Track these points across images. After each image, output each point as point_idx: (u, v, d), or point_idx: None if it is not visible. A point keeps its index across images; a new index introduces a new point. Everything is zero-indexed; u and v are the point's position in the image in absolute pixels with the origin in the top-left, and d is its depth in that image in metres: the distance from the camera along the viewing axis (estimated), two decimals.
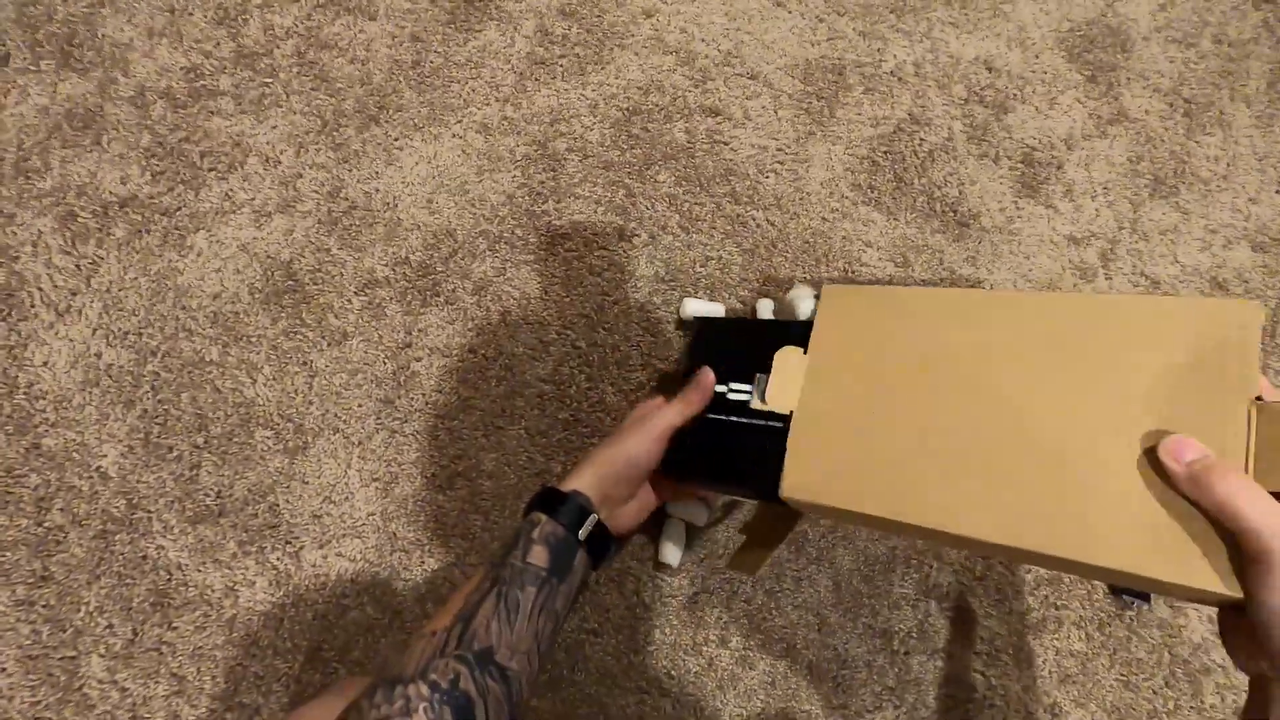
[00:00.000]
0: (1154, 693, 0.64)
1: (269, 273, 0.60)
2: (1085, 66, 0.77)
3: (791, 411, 0.45)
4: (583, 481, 0.46)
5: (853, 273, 0.68)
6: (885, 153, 0.71)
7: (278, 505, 0.56)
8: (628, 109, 0.68)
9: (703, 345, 0.50)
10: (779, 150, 0.70)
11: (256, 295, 0.60)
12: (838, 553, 0.62)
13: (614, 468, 0.47)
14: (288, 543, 0.56)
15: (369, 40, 0.66)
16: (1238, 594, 0.32)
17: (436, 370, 0.60)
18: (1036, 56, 0.76)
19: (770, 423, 0.46)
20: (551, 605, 0.42)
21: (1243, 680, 0.65)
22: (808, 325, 0.48)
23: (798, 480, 0.43)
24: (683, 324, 0.50)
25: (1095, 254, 0.73)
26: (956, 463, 0.39)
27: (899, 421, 0.42)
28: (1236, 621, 0.34)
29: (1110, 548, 0.34)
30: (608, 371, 0.63)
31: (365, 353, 0.60)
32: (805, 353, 0.46)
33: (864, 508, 0.40)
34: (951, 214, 0.71)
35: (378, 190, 0.63)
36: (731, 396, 0.47)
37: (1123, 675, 0.64)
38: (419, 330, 0.61)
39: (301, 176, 0.62)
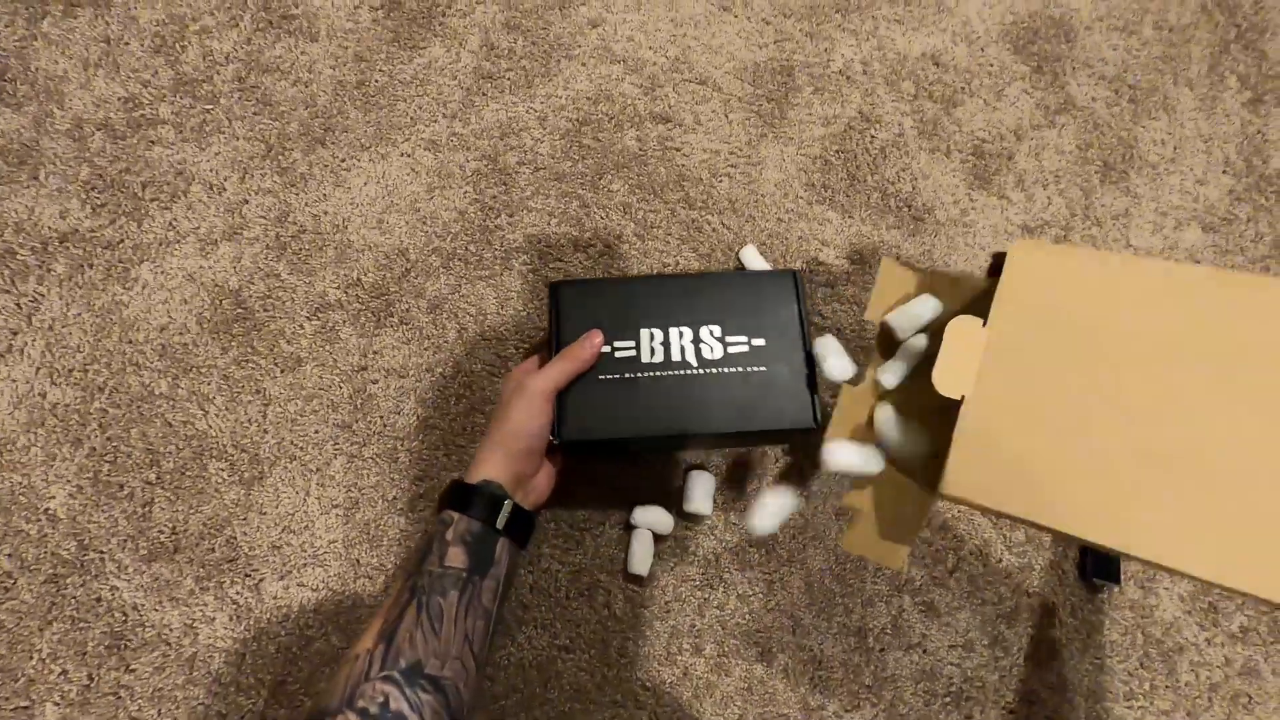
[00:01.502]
0: (1129, 674, 0.64)
1: (217, 301, 0.58)
2: (1030, 58, 0.77)
3: (962, 396, 0.38)
4: (490, 468, 0.45)
5: (811, 271, 0.67)
6: (838, 151, 0.71)
7: (235, 538, 0.55)
8: (577, 119, 0.67)
9: (569, 308, 0.49)
10: (731, 154, 0.69)
11: (205, 325, 0.58)
12: (809, 553, 0.61)
13: (515, 443, 0.46)
14: (247, 575, 0.54)
15: (311, 62, 0.64)
16: None
17: (394, 391, 0.58)
18: (982, 50, 0.76)
19: (675, 371, 0.47)
20: (478, 603, 0.41)
21: (1216, 657, 0.65)
22: (678, 279, 0.50)
23: (965, 478, 0.36)
24: (549, 285, 0.50)
25: (1049, 241, 0.72)
26: (1165, 479, 0.33)
27: (1097, 420, 0.35)
28: None
29: None
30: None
31: (320, 378, 0.58)
32: (984, 324, 0.40)
33: (1055, 523, 0.35)
34: (906, 209, 0.71)
35: (326, 213, 0.61)
36: (619, 355, 0.48)
37: (1097, 658, 0.63)
38: (374, 352, 0.59)
39: (247, 202, 0.61)
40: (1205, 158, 0.78)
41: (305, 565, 0.56)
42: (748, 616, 0.60)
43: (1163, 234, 0.75)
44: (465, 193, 0.65)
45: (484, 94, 0.67)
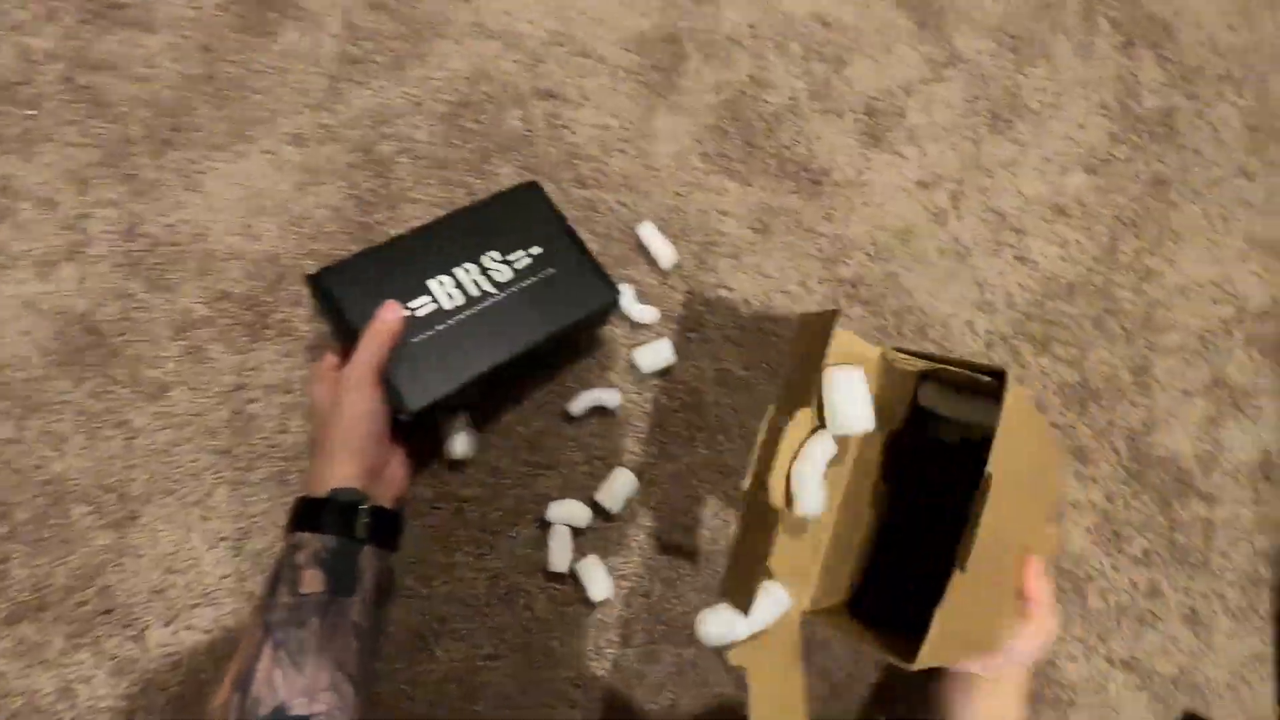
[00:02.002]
0: None
1: (63, 329, 0.53)
2: (914, 13, 0.77)
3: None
4: (335, 474, 0.42)
5: (712, 244, 0.65)
6: (731, 119, 0.69)
7: (110, 587, 0.50)
8: (456, 102, 0.63)
9: (345, 293, 0.47)
10: (622, 128, 0.66)
11: (51, 357, 0.52)
12: (732, 531, 0.60)
13: (355, 438, 0.43)
14: (127, 626, 0.50)
15: (150, 55, 0.58)
16: None
17: (277, 409, 0.54)
18: (867, 7, 0.75)
19: (479, 305, 0.50)
20: (345, 625, 0.39)
21: (1122, 581, 0.67)
22: (438, 224, 0.51)
23: (937, 649, 0.36)
24: (307, 280, 0.48)
25: (945, 196, 0.73)
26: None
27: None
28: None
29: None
30: None
31: (191, 402, 0.53)
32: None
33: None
34: (803, 173, 0.70)
35: (183, 221, 0.56)
36: (421, 313, 0.48)
37: None
38: (251, 369, 0.54)
39: (89, 216, 0.55)
40: (1084, 102, 0.80)
41: (194, 606, 0.51)
42: (675, 601, 0.59)
43: (1048, 180, 0.77)
44: (339, 188, 0.60)
45: (350, 80, 0.62)
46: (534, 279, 0.52)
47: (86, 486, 0.52)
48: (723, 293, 0.66)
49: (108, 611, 0.50)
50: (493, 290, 0.51)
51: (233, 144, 0.59)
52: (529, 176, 0.64)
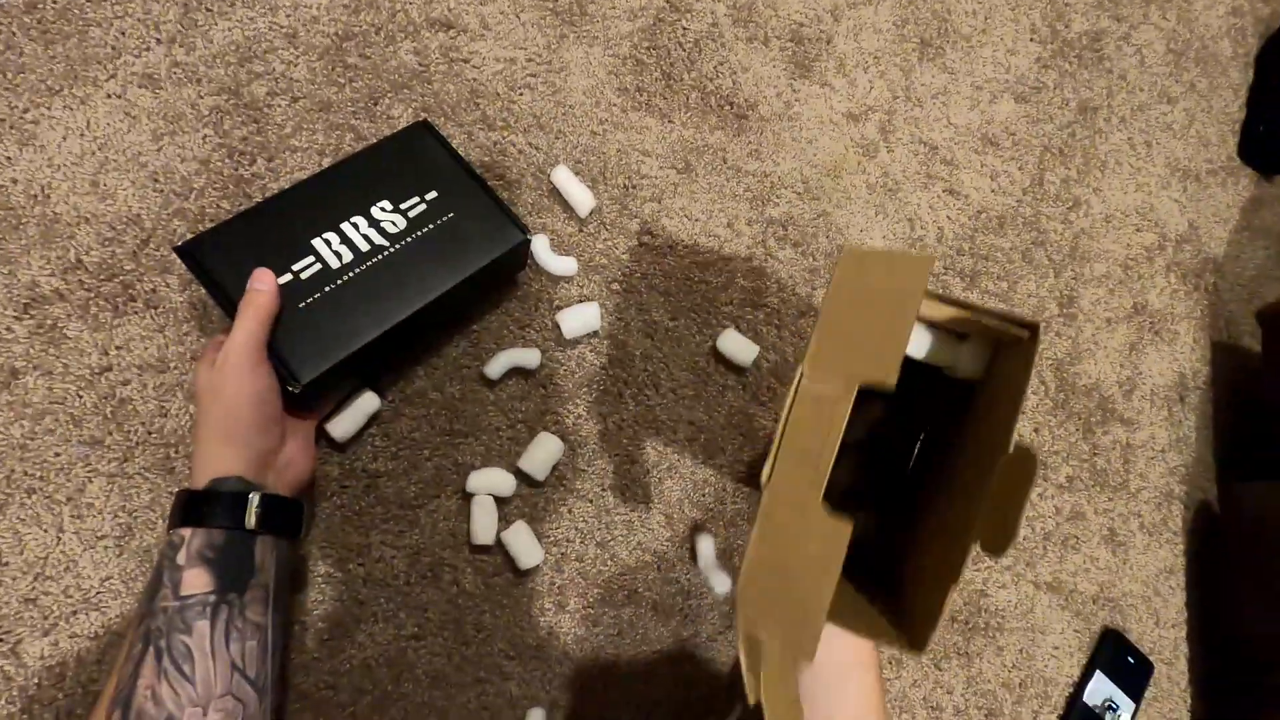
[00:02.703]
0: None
1: None
2: None
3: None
4: (218, 463, 0.38)
5: (633, 186, 0.61)
6: (649, 48, 0.64)
7: None
8: (337, 34, 0.56)
9: (219, 264, 0.44)
10: (529, 61, 0.60)
11: None
12: (665, 486, 0.58)
13: (240, 423, 0.40)
14: None
15: None
16: None
17: (153, 390, 0.48)
18: None
19: (371, 260, 0.46)
20: (241, 623, 0.36)
21: (1048, 509, 0.69)
22: (318, 178, 0.47)
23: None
24: (176, 251, 0.44)
25: (875, 127, 0.70)
26: None
27: None
28: None
29: None
30: None
31: (49, 389, 0.47)
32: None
33: None
34: (728, 107, 0.66)
35: (15, 181, 0.48)
36: (306, 275, 0.45)
37: None
38: (118, 347, 0.48)
39: None
40: (1014, 26, 0.78)
41: (74, 613, 0.46)
42: (609, 563, 0.57)
43: (979, 109, 0.74)
44: (205, 137, 0.53)
45: (208, 9, 0.54)
46: (431, 226, 0.48)
47: None
48: (646, 239, 0.62)
49: None
50: (385, 243, 0.47)
51: (69, 87, 0.51)
52: (429, 118, 0.58)
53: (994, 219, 0.73)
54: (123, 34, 0.52)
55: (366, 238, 0.46)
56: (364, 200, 0.47)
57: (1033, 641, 0.66)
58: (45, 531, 0.47)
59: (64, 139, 0.51)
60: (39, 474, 0.47)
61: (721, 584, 0.58)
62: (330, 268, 0.45)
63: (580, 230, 0.60)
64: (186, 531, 0.37)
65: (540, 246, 0.58)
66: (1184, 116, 0.82)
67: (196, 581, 0.36)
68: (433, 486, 0.54)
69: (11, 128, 0.50)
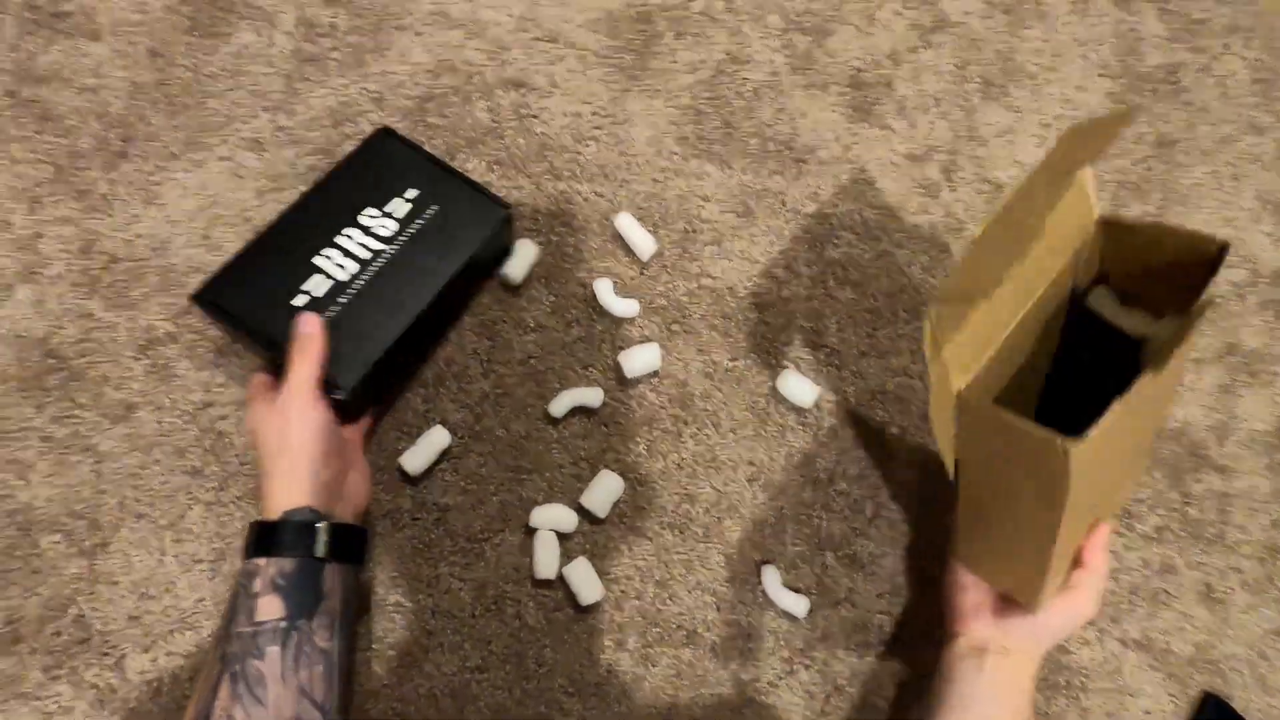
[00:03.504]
0: None
1: (22, 354, 0.51)
2: None
3: None
4: (288, 495, 0.41)
5: (693, 231, 0.63)
6: (709, 98, 0.67)
7: (84, 616, 0.49)
8: (419, 96, 0.61)
9: (238, 301, 0.47)
10: (594, 114, 0.64)
11: (11, 383, 0.51)
12: (725, 526, 0.59)
13: (305, 458, 0.42)
14: (105, 654, 0.49)
15: (97, 65, 0.56)
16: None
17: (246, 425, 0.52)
18: None
19: (374, 265, 0.49)
20: (309, 649, 0.38)
21: (1134, 560, 0.65)
22: (305, 202, 0.50)
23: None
24: (191, 301, 0.48)
25: (937, 168, 0.70)
26: None
27: None
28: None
29: None
30: (445, 388, 0.57)
31: (159, 423, 0.52)
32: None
33: None
34: (787, 151, 0.68)
35: (140, 236, 0.55)
36: (320, 292, 0.48)
37: None
38: (219, 385, 0.53)
39: (41, 236, 0.53)
40: (1082, 62, 0.77)
41: (172, 632, 0.50)
42: (669, 602, 0.57)
43: (1047, 146, 0.73)
44: (300, 192, 0.58)
45: (308, 79, 0.60)
46: (420, 222, 0.51)
47: (55, 514, 0.51)
48: (706, 281, 0.64)
49: (84, 641, 0.49)
50: (382, 247, 0.50)
51: (188, 152, 0.57)
52: (499, 171, 0.62)
53: None
54: (235, 104, 0.59)
55: (364, 245, 0.50)
56: (351, 212, 0.50)
57: (1121, 705, 0.62)
58: (150, 554, 0.51)
59: (181, 198, 0.57)
60: (147, 500, 0.52)
61: (800, 607, 0.57)
62: (340, 280, 0.48)
63: (641, 273, 0.63)
64: (261, 561, 0.39)
65: (603, 289, 0.60)
66: (1275, 147, 0.78)
67: (270, 608, 0.38)
68: (498, 521, 0.56)
69: (140, 189, 0.56)
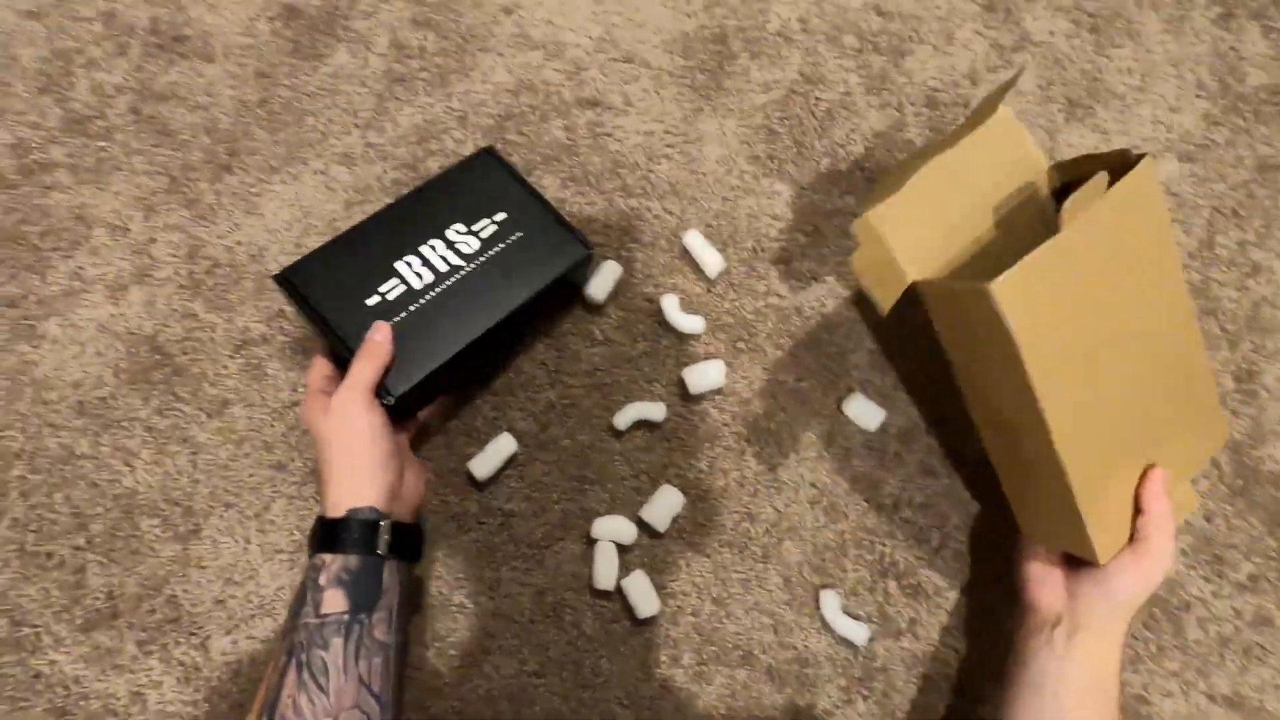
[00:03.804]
0: (1134, 637, 0.61)
1: (133, 350, 0.56)
2: None
3: None
4: (352, 495, 0.42)
5: (762, 249, 0.64)
6: (781, 118, 0.67)
7: (176, 596, 0.52)
8: (500, 115, 0.64)
9: (316, 289, 0.49)
10: (667, 133, 0.65)
11: (122, 376, 0.55)
12: (784, 547, 0.58)
13: (366, 459, 0.43)
14: (192, 634, 0.52)
15: (209, 84, 0.61)
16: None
17: None
18: None
19: (449, 280, 0.50)
20: (369, 642, 0.39)
21: (1224, 610, 0.62)
22: (397, 205, 0.52)
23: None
24: (275, 280, 0.49)
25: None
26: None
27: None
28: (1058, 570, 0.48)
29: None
30: (514, 396, 0.58)
31: (250, 418, 0.55)
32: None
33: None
34: (859, 171, 0.67)
35: (240, 243, 0.58)
36: (392, 296, 0.49)
37: None
38: (304, 385, 0.56)
39: (155, 241, 0.58)
40: (1177, 83, 0.74)
41: (252, 617, 0.53)
42: (725, 621, 0.57)
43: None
44: (398, 196, 0.62)
45: (397, 98, 0.64)
46: (501, 246, 0.52)
47: (154, 500, 0.54)
48: (773, 300, 0.64)
49: (174, 620, 0.53)
50: (461, 263, 0.51)
51: (286, 166, 0.61)
52: (573, 187, 0.64)
53: None
54: (330, 121, 0.63)
55: (444, 259, 0.51)
56: (440, 224, 0.52)
57: None
58: (236, 542, 0.55)
59: (278, 209, 0.61)
60: (236, 491, 0.55)
61: (860, 635, 0.56)
62: (413, 288, 0.50)
63: (709, 291, 0.63)
64: (327, 556, 0.41)
65: (670, 305, 0.61)
66: None
67: (334, 602, 0.40)
68: (560, 529, 0.57)
69: (242, 199, 0.60)
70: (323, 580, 0.40)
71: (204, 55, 0.62)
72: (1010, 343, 0.41)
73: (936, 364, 0.64)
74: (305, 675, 0.38)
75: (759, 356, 0.63)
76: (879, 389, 0.63)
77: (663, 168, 0.66)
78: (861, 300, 0.65)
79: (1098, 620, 0.45)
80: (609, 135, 0.66)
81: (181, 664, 0.52)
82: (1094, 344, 0.44)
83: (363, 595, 0.40)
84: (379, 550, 0.42)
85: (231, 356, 0.57)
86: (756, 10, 0.70)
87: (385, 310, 0.48)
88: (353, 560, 0.41)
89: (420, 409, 0.54)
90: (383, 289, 0.49)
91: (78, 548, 0.53)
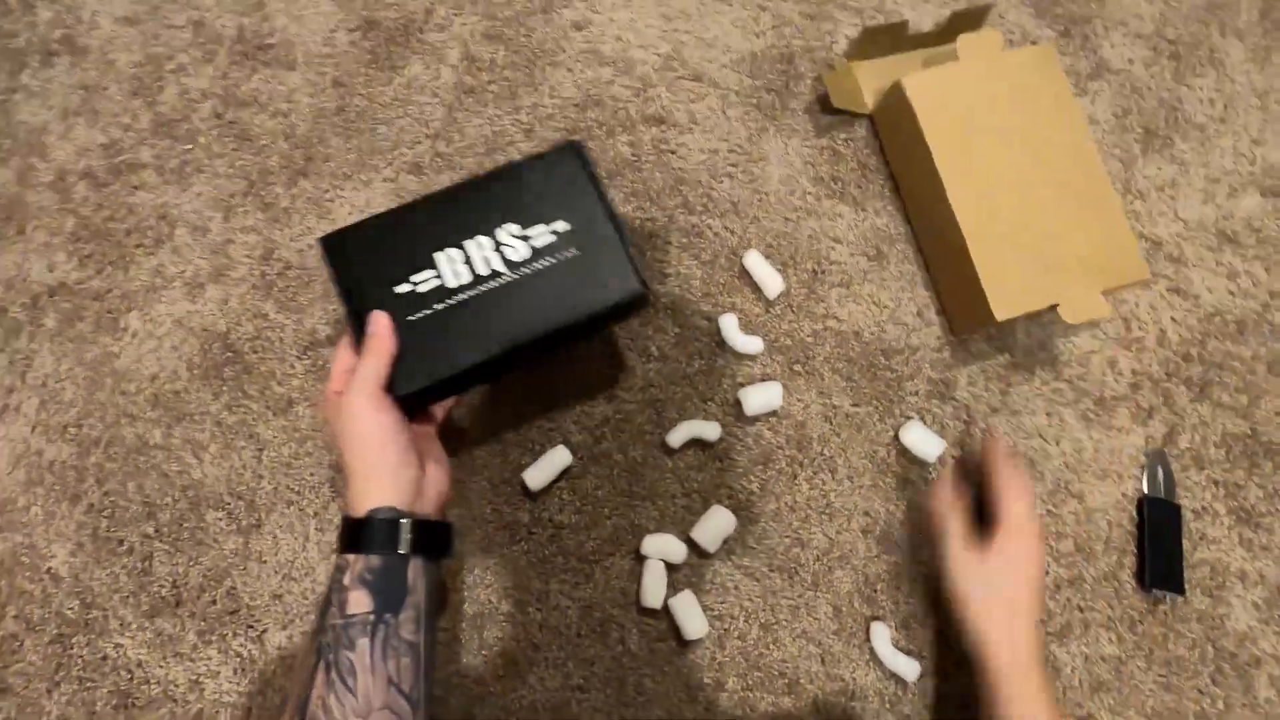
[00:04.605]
0: (1200, 692, 0.59)
1: (206, 346, 0.58)
2: (1056, 20, 0.72)
3: None
4: (373, 494, 0.41)
5: (823, 271, 0.63)
6: (846, 139, 0.67)
7: (236, 589, 0.54)
8: (566, 129, 0.65)
9: (350, 260, 0.46)
10: (731, 152, 0.66)
11: (195, 371, 0.58)
12: (835, 575, 0.58)
13: (380, 460, 0.42)
14: (249, 627, 0.54)
15: (289, 91, 0.63)
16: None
17: None
18: (1001, 16, 0.71)
19: (486, 285, 0.45)
20: (396, 642, 0.39)
21: None
22: (458, 189, 0.48)
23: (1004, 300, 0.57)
24: (319, 243, 0.47)
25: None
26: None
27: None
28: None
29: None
30: (569, 409, 0.59)
31: (313, 418, 0.57)
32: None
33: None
34: None
35: (311, 247, 0.61)
36: (423, 289, 0.45)
37: (1162, 676, 0.59)
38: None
39: (232, 242, 0.60)
40: (1261, 114, 0.72)
41: (308, 613, 0.55)
42: (772, 646, 0.57)
43: (1215, 202, 0.69)
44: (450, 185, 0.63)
45: (466, 109, 0.66)
46: (551, 260, 0.46)
47: (220, 493, 0.56)
48: (832, 323, 0.64)
49: (234, 612, 0.55)
50: (503, 270, 0.46)
51: (358, 173, 0.63)
52: (635, 202, 0.65)
53: (1231, 323, 0.66)
54: (402, 130, 0.65)
55: (487, 260, 0.46)
56: (495, 220, 0.47)
57: None
58: (295, 539, 0.56)
59: (348, 214, 0.63)
60: (297, 489, 0.57)
61: (910, 671, 0.56)
62: (446, 286, 0.45)
63: (767, 311, 0.63)
64: (350, 556, 0.40)
65: (728, 324, 0.61)
66: None
67: (358, 602, 0.40)
68: (609, 544, 0.58)
69: (316, 204, 0.62)
70: (347, 580, 0.40)
71: (286, 64, 0.65)
72: (918, 129, 0.59)
73: (1000, 397, 0.63)
74: (333, 675, 0.38)
75: (816, 380, 0.62)
76: (938, 418, 0.62)
77: (725, 186, 0.66)
78: (920, 329, 0.64)
79: (1007, 617, 0.50)
80: (673, 152, 0.67)
81: (239, 655, 0.54)
82: (996, 152, 0.60)
83: (387, 595, 0.40)
84: (401, 549, 0.41)
85: (299, 357, 0.59)
86: (824, 31, 0.71)
87: (412, 302, 0.45)
88: (375, 560, 0.40)
89: (440, 403, 0.50)
90: (416, 278, 0.45)
91: (146, 536, 0.56)
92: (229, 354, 0.59)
